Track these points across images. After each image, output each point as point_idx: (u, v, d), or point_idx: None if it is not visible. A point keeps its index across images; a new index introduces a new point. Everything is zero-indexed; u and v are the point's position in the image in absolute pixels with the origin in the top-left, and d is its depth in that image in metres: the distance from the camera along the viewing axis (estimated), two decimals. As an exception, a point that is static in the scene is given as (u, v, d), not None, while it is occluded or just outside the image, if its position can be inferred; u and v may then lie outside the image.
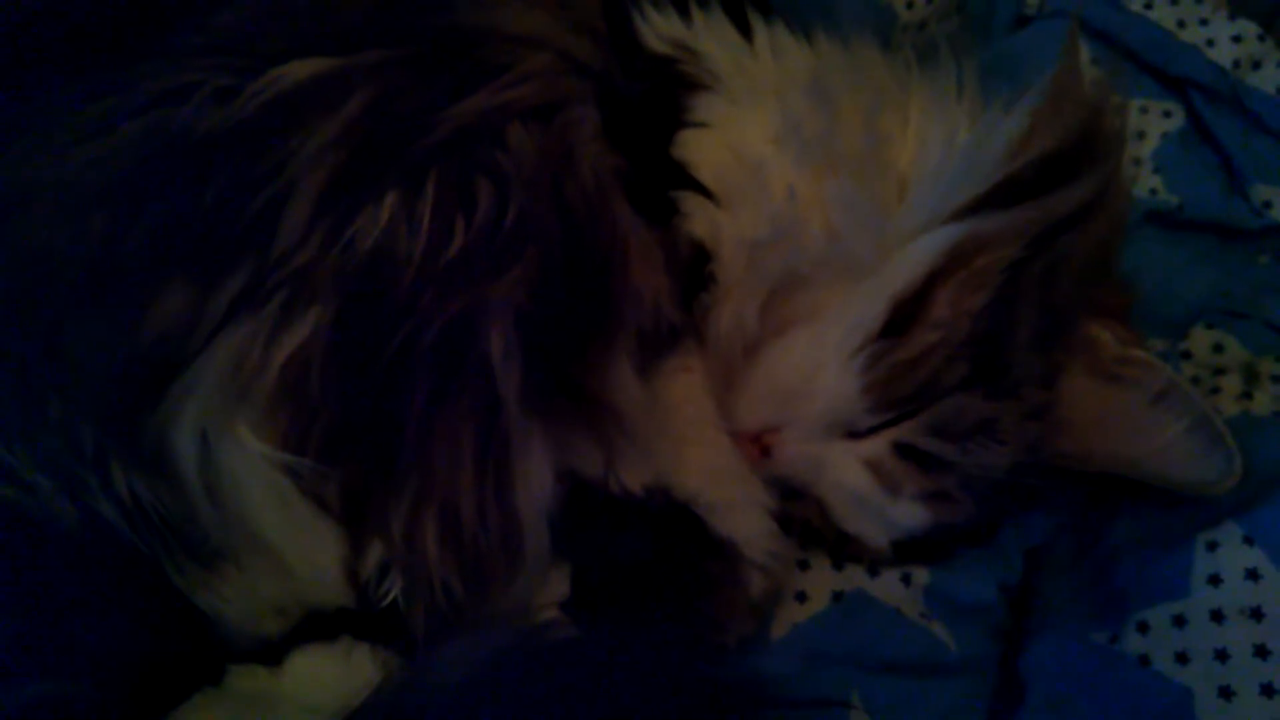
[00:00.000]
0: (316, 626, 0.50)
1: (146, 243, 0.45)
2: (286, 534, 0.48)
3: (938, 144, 0.59)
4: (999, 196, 0.55)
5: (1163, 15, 0.82)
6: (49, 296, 0.45)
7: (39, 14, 0.50)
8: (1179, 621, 0.54)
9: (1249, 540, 0.54)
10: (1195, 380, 0.69)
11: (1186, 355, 0.72)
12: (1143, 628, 0.55)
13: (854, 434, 0.57)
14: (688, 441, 0.58)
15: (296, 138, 0.47)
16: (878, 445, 0.57)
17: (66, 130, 0.47)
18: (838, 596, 0.62)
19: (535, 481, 0.50)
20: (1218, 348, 0.72)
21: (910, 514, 0.58)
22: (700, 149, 0.57)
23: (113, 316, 0.45)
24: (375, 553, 0.49)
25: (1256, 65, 0.80)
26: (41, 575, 0.47)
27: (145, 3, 0.50)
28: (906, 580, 0.63)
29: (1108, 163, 0.55)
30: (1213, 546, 0.55)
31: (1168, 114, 0.81)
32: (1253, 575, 0.54)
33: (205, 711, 0.48)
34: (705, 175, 0.57)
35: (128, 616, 0.48)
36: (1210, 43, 0.81)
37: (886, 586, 0.62)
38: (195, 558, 0.48)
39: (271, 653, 0.50)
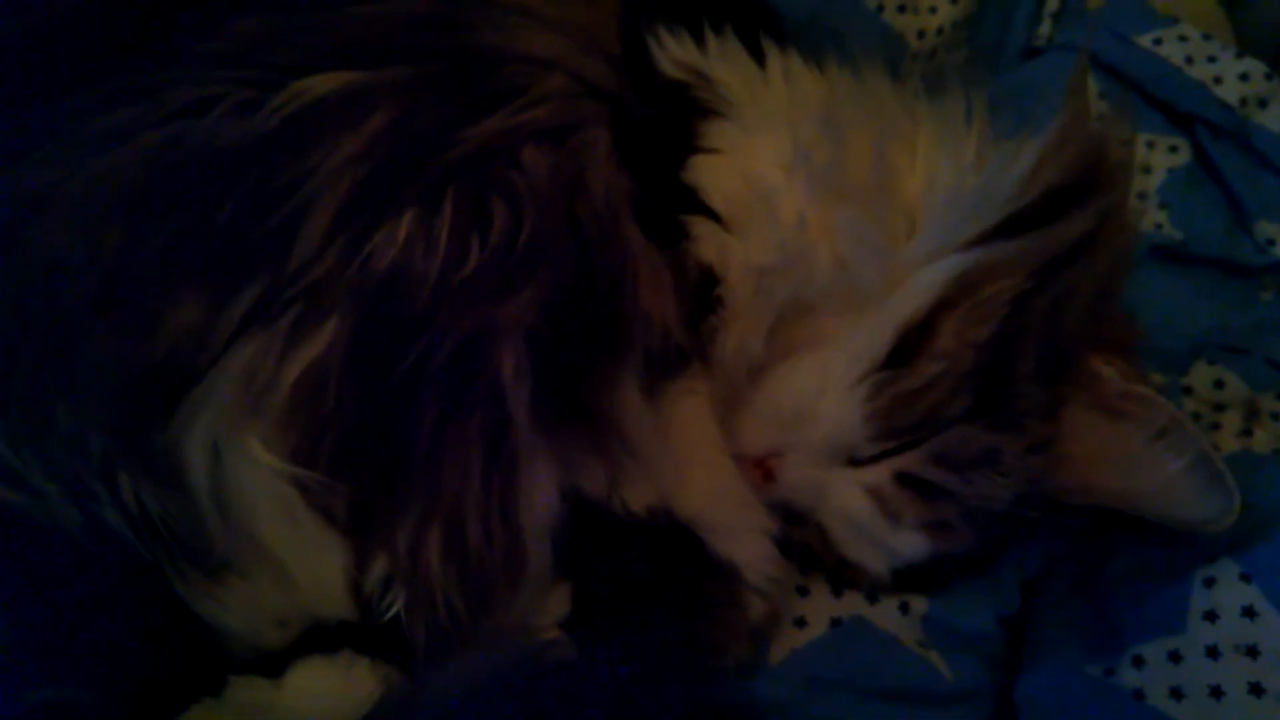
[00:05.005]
0: (318, 639, 0.50)
1: (161, 254, 0.46)
2: (292, 546, 0.48)
3: (945, 176, 0.60)
4: (1006, 231, 0.55)
5: (1171, 51, 0.83)
6: (62, 306, 0.45)
7: (61, 20, 0.50)
8: (1175, 657, 0.54)
9: (1246, 578, 0.54)
10: (1196, 416, 0.69)
11: (1188, 391, 0.72)
12: (1138, 662, 0.55)
13: (856, 461, 0.58)
14: (691, 463, 0.58)
15: (318, 152, 0.47)
16: (880, 473, 0.57)
17: (85, 139, 0.47)
18: (836, 623, 0.62)
19: (540, 499, 0.50)
20: (1219, 384, 0.72)
21: (910, 542, 0.58)
22: (712, 175, 0.58)
23: (125, 327, 0.45)
24: (379, 566, 0.49)
25: (1263, 104, 0.80)
26: (46, 581, 0.47)
27: (166, 5, 0.50)
28: (905, 608, 0.63)
29: (1111, 194, 0.55)
30: (1210, 583, 0.55)
31: (1174, 149, 0.81)
32: (1249, 613, 0.54)
33: (205, 721, 0.49)
34: (716, 201, 0.57)
35: (130, 624, 0.48)
36: (1218, 80, 0.81)
37: (885, 614, 0.62)
38: (199, 568, 0.48)
39: (272, 664, 0.49)
